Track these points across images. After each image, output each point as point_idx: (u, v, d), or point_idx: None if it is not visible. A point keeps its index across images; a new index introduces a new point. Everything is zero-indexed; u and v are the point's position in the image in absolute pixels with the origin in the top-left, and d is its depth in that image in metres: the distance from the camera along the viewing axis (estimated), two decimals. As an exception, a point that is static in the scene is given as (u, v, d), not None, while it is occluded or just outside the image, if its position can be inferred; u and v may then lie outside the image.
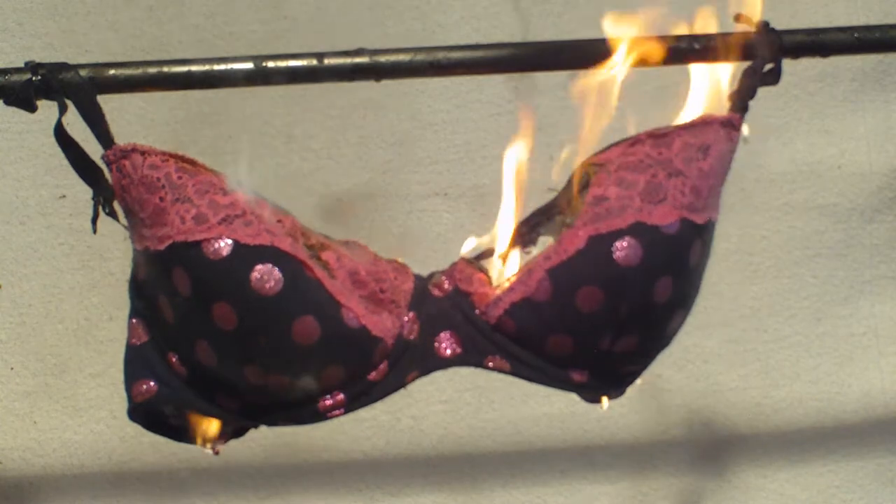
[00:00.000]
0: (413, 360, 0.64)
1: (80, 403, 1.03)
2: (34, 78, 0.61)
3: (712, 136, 0.65)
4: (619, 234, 0.62)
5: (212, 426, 0.68)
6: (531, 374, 0.65)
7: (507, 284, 0.64)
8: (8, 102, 0.62)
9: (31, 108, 0.63)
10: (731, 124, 0.65)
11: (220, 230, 0.60)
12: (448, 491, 1.07)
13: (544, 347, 0.64)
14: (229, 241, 0.60)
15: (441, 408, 1.05)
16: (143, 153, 0.61)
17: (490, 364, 0.64)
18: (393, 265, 0.66)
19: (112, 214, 0.64)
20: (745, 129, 0.67)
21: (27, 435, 1.03)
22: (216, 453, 0.69)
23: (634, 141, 0.65)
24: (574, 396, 1.07)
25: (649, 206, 0.62)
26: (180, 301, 0.62)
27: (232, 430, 0.69)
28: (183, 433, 0.68)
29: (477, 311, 0.64)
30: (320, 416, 0.64)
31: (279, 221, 0.63)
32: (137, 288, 0.65)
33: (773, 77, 0.66)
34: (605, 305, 0.62)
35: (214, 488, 1.05)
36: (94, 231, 0.64)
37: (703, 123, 0.65)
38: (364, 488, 1.06)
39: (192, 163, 0.62)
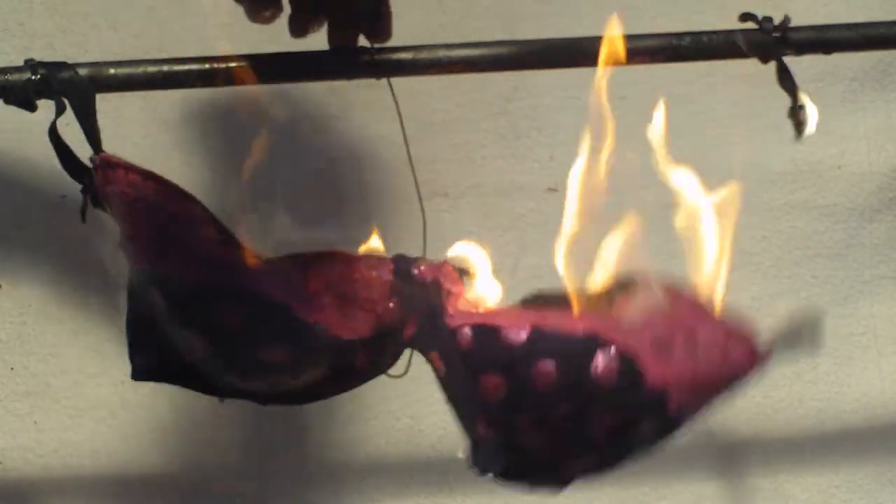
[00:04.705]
0: (392, 344, 0.65)
1: (80, 403, 1.03)
2: (33, 77, 0.61)
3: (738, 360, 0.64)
4: (611, 345, 0.61)
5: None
6: (454, 389, 0.65)
7: (490, 305, 0.64)
8: (8, 102, 0.63)
9: (32, 108, 0.63)
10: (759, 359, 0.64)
11: (185, 265, 0.60)
12: (448, 491, 1.07)
13: (478, 377, 0.63)
14: (188, 279, 0.60)
15: (441, 408, 1.05)
16: (126, 169, 0.61)
17: (432, 357, 0.64)
18: (368, 262, 0.64)
19: (101, 206, 0.64)
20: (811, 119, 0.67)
21: (27, 435, 1.03)
22: (221, 400, 0.69)
23: (677, 299, 0.64)
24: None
25: (655, 352, 0.61)
26: (161, 310, 0.62)
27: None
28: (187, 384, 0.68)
29: (447, 309, 0.64)
30: (313, 396, 0.65)
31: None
32: (129, 271, 0.65)
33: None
34: (557, 388, 0.61)
35: (214, 488, 1.05)
36: (84, 220, 0.64)
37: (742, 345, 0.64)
38: (364, 488, 1.06)
39: (172, 188, 0.61)
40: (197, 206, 0.61)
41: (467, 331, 0.62)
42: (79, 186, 0.64)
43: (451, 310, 0.64)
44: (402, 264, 0.64)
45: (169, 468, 1.04)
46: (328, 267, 0.64)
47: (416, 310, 0.64)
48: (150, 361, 0.66)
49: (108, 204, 0.62)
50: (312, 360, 0.62)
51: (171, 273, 0.60)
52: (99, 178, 0.62)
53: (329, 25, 0.66)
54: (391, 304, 0.64)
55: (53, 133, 0.62)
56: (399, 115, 0.70)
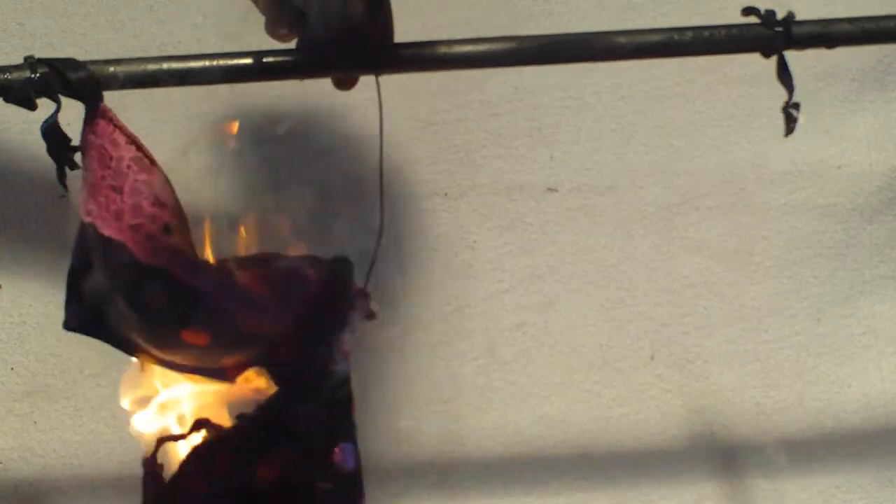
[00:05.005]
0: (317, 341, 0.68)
1: (80, 403, 1.03)
2: (33, 75, 0.61)
3: None
4: None
5: None
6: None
7: None
8: (8, 100, 0.63)
9: (32, 107, 0.63)
10: None
11: (126, 236, 0.61)
12: (448, 491, 1.07)
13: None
14: (129, 252, 0.61)
15: (441, 408, 1.05)
16: (115, 126, 0.62)
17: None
18: (306, 261, 0.67)
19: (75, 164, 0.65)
20: (801, 117, 0.67)
21: (27, 435, 1.03)
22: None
23: None
24: (574, 397, 1.08)
25: None
26: (99, 269, 0.63)
27: None
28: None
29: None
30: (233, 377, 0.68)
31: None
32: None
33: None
34: None
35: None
36: (65, 188, 0.64)
37: None
38: (364, 489, 1.06)
39: (150, 160, 0.63)
40: (165, 186, 0.63)
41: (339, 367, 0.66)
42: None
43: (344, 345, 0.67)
44: (342, 269, 0.66)
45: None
46: (266, 265, 0.65)
47: (339, 315, 0.66)
48: (81, 313, 0.67)
49: (85, 150, 0.62)
50: (234, 349, 0.63)
51: (116, 241, 0.61)
52: (86, 117, 0.62)
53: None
54: (323, 305, 0.65)
55: (53, 130, 0.62)
56: (380, 113, 0.70)
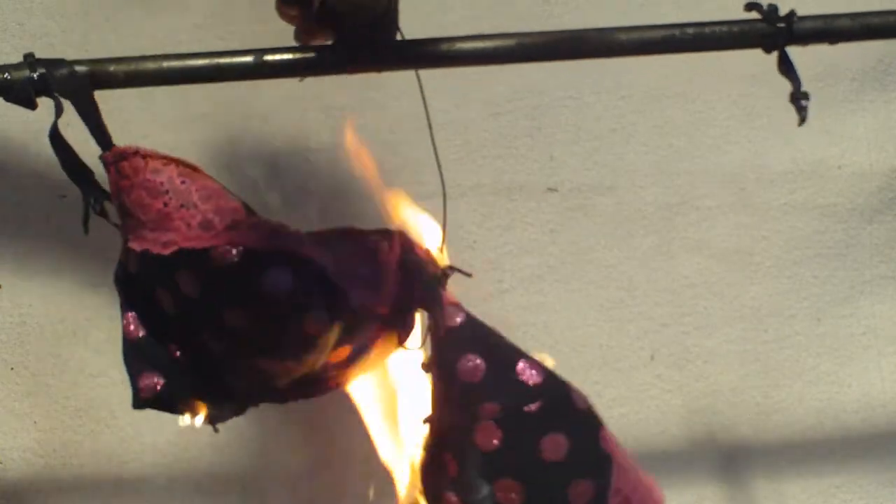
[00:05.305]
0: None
1: (80, 403, 1.03)
2: (32, 74, 0.61)
3: None
4: None
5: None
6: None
7: None
8: (8, 99, 0.63)
9: (32, 106, 0.63)
10: None
11: (227, 237, 0.60)
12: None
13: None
14: (238, 247, 0.60)
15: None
16: (144, 156, 0.61)
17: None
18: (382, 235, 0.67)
19: (103, 214, 0.64)
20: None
21: (27, 435, 1.03)
22: (216, 430, 0.69)
23: None
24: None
25: None
26: (185, 299, 0.62)
27: (234, 408, 0.70)
28: (185, 410, 0.69)
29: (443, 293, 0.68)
30: (329, 388, 0.66)
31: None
32: (128, 280, 0.65)
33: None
34: None
35: (214, 489, 1.05)
36: (86, 232, 0.64)
37: None
38: (365, 489, 1.06)
39: (193, 168, 0.62)
40: (215, 182, 0.62)
41: (460, 317, 0.67)
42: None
43: (446, 295, 0.67)
44: (403, 236, 0.67)
45: (168, 468, 1.04)
46: (347, 238, 0.64)
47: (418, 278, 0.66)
48: (155, 382, 0.66)
49: (123, 200, 0.61)
50: (347, 335, 0.62)
51: (215, 246, 0.59)
52: (112, 176, 0.61)
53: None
54: (405, 272, 0.65)
55: (55, 136, 0.62)
56: (426, 108, 0.71)
